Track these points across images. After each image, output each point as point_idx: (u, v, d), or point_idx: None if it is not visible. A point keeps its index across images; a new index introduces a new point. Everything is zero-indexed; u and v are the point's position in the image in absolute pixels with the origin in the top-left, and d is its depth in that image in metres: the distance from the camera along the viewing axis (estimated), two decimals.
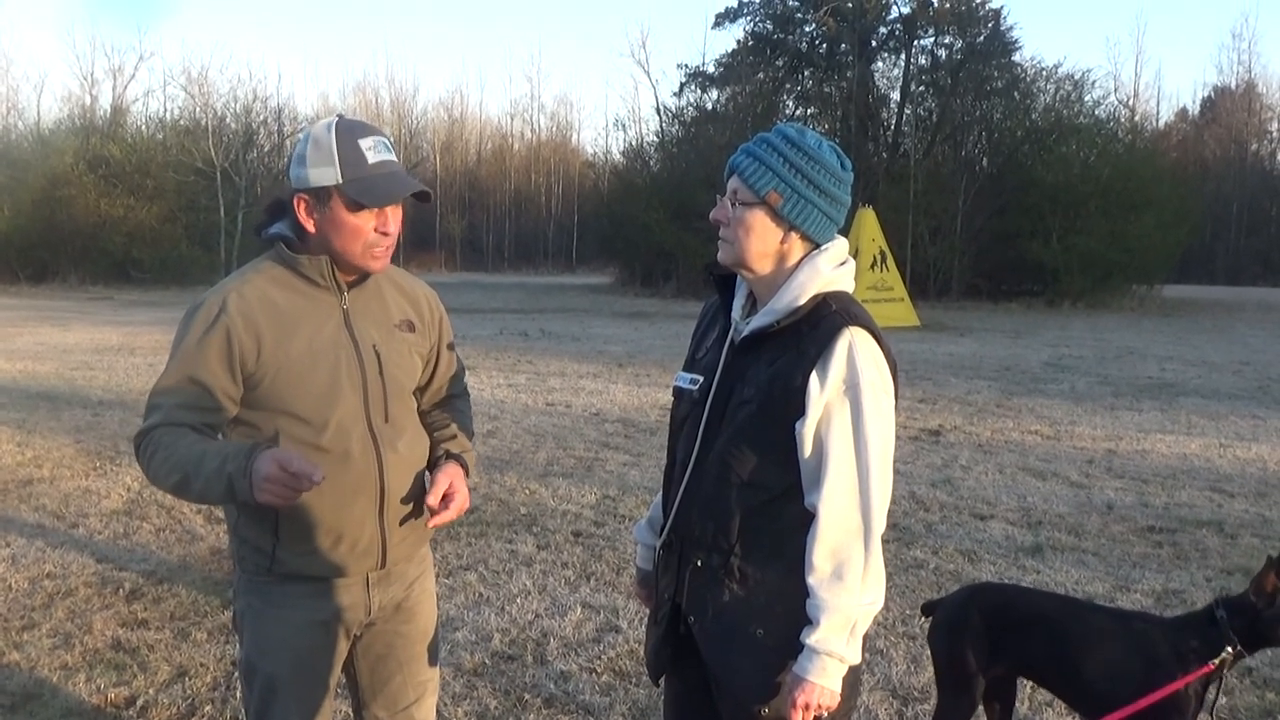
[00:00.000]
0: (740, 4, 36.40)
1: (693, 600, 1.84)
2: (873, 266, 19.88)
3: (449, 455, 2.07)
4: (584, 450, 7.49)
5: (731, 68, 36.17)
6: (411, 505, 2.01)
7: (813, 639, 1.67)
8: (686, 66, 39.35)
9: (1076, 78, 32.83)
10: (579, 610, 4.23)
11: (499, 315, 21.75)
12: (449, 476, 1.99)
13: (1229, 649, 2.32)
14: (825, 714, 1.71)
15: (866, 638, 1.81)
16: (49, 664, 3.62)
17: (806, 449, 1.70)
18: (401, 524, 2.00)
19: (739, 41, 36.90)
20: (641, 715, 3.32)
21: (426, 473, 2.06)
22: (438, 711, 2.40)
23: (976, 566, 4.90)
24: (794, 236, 1.77)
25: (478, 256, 54.69)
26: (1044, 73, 33.47)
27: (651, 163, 38.06)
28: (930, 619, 2.78)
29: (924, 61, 34.82)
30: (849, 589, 1.67)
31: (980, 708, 2.67)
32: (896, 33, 34.82)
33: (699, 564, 1.83)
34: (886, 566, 1.79)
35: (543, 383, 11.08)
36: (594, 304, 26.96)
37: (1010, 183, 30.15)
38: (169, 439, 1.82)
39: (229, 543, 2.14)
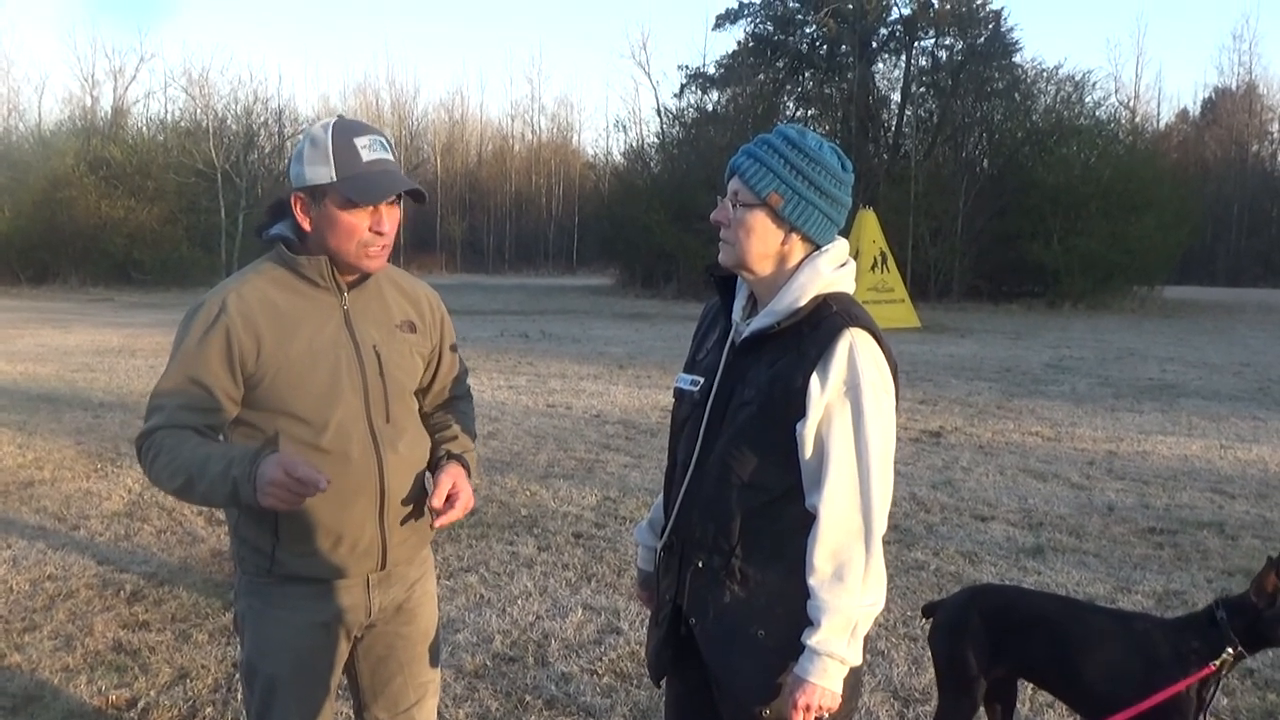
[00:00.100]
0: (741, 5, 36.42)
1: (694, 602, 1.84)
2: (873, 268, 19.88)
3: (451, 456, 2.06)
4: (585, 452, 7.49)
5: (732, 69, 36.19)
6: (412, 506, 2.01)
7: (814, 640, 1.67)
8: (687, 68, 39.52)
9: (1077, 79, 32.88)
10: (580, 612, 4.23)
11: (499, 317, 21.76)
12: (451, 477, 1.98)
13: (1230, 650, 2.32)
14: (826, 715, 1.71)
15: (867, 639, 1.81)
16: (50, 666, 3.62)
17: (807, 450, 1.70)
18: (402, 525, 2.00)
19: (739, 43, 36.98)
20: (643, 717, 3.32)
21: (428, 474, 2.06)
22: (439, 713, 2.41)
23: (977, 568, 4.90)
24: (795, 238, 1.77)
25: (478, 258, 54.67)
26: (1045, 74, 33.50)
27: (652, 164, 38.06)
28: (931, 620, 2.78)
29: (924, 63, 34.83)
30: (850, 590, 1.67)
31: (981, 709, 2.66)
32: (897, 34, 34.82)
33: (700, 565, 1.82)
34: (887, 568, 1.79)
35: (543, 384, 11.08)
36: (595, 305, 26.96)
37: (1011, 184, 30.13)
38: (172, 441, 1.82)
39: (230, 544, 2.13)
